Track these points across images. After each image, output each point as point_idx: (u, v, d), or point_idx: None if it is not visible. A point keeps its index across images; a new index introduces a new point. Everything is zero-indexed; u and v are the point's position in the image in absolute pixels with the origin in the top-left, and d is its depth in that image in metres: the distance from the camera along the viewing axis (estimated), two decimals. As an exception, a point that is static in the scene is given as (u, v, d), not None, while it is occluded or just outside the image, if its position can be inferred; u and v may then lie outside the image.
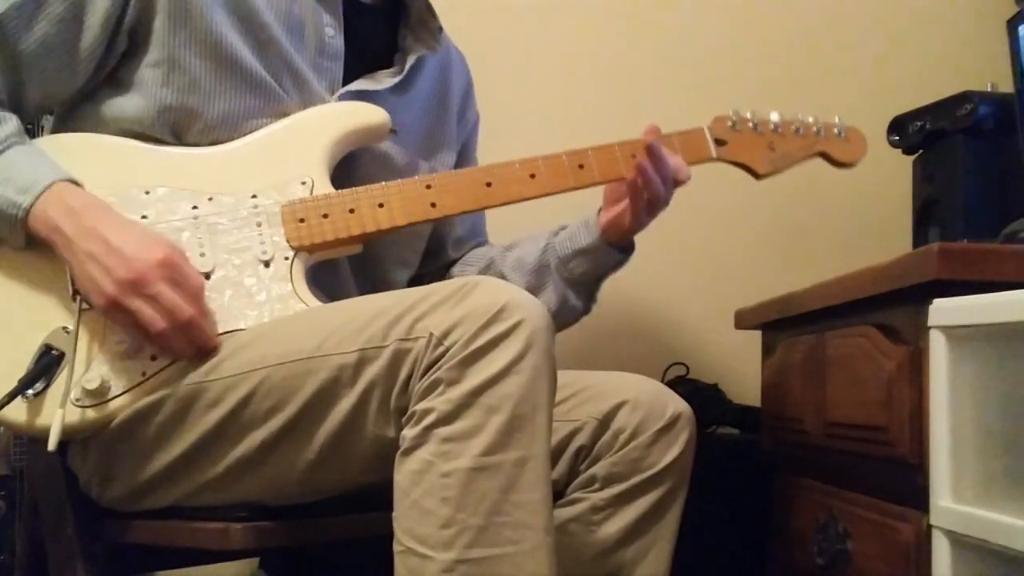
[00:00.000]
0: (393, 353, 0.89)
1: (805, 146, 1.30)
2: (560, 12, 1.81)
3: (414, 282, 1.31)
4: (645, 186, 1.17)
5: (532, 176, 1.18)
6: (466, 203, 1.16)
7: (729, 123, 1.27)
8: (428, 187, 1.14)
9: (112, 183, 1.05)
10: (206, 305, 1.00)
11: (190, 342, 0.99)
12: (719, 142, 1.26)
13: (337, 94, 1.18)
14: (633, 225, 1.21)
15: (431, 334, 0.86)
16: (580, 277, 1.24)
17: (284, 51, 1.14)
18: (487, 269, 1.32)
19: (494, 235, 1.44)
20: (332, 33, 1.19)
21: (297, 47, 1.16)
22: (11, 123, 1.04)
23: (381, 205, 1.12)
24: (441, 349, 0.86)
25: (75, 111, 1.13)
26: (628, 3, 1.83)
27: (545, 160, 1.18)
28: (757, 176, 1.28)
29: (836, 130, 1.31)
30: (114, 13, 1.08)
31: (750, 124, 1.27)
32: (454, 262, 1.37)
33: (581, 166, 1.19)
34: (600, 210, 1.24)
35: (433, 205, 1.14)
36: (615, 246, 1.23)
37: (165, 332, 0.97)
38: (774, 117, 1.29)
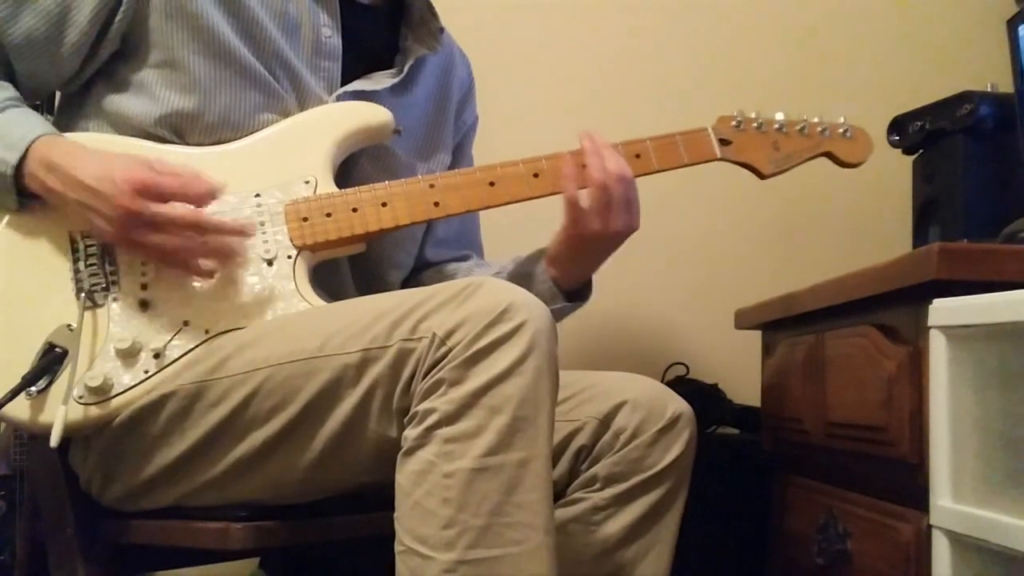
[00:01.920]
0: (396, 353, 0.89)
1: (810, 146, 1.29)
2: (562, 12, 1.81)
3: (405, 283, 1.31)
4: (587, 175, 1.13)
5: (535, 176, 1.17)
6: (469, 203, 1.16)
7: (733, 123, 1.26)
8: (431, 186, 1.14)
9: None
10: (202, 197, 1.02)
11: (205, 247, 1.02)
12: (723, 142, 1.25)
13: (335, 94, 1.18)
14: (571, 230, 1.14)
15: (434, 334, 0.86)
16: None
17: (279, 49, 1.14)
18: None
19: (495, 235, 1.44)
20: (329, 33, 1.19)
21: (293, 46, 1.16)
22: (8, 89, 1.07)
23: (384, 204, 1.12)
24: (444, 349, 0.86)
25: (78, 110, 1.14)
26: (630, 3, 1.83)
27: (548, 160, 1.18)
28: (762, 176, 1.28)
29: (841, 130, 1.30)
30: (103, 12, 1.08)
31: (754, 124, 1.27)
32: (430, 266, 1.35)
33: (584, 166, 1.19)
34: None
35: (436, 204, 1.14)
36: (564, 285, 1.18)
37: (178, 247, 1.00)
38: (779, 117, 1.28)
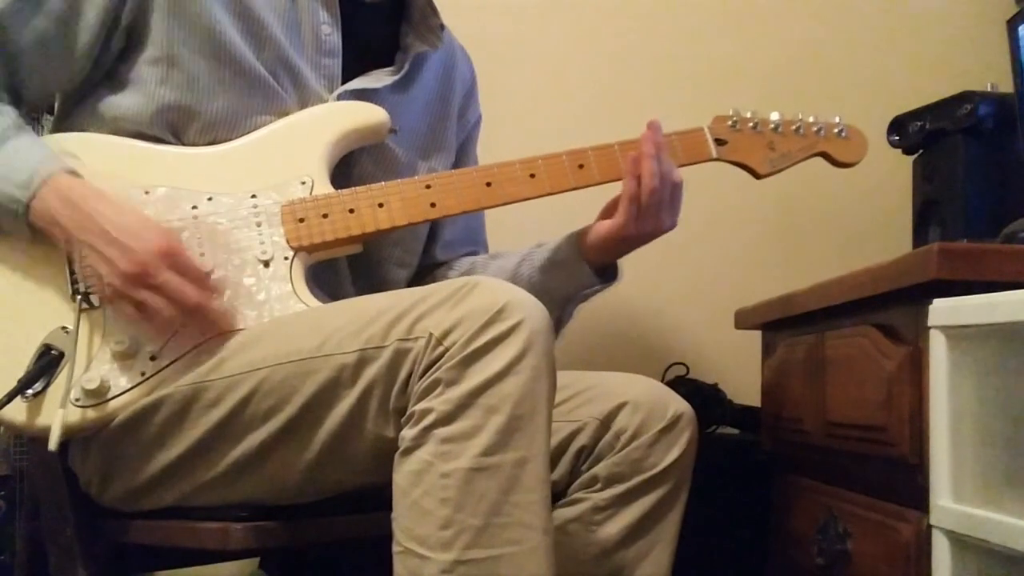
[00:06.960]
0: (393, 353, 0.89)
1: (806, 146, 1.29)
2: (561, 11, 1.81)
3: (410, 282, 1.31)
4: (641, 177, 1.14)
5: (532, 176, 1.17)
6: (466, 203, 1.16)
7: (729, 123, 1.26)
8: (428, 187, 1.14)
9: (111, 183, 1.04)
10: (215, 287, 1.01)
11: (200, 327, 1.00)
12: (719, 142, 1.25)
13: (335, 92, 1.18)
14: (624, 231, 1.16)
15: (431, 334, 0.86)
16: (550, 290, 1.19)
17: (282, 49, 1.14)
18: (468, 275, 1.30)
19: (493, 234, 1.43)
20: (328, 30, 1.18)
21: (295, 44, 1.16)
22: (8, 116, 1.05)
23: (381, 205, 1.12)
24: (441, 349, 0.86)
25: (75, 109, 1.13)
26: (629, 3, 1.83)
27: (545, 160, 1.18)
28: (757, 176, 1.28)
29: (837, 130, 1.30)
30: (111, 11, 1.08)
31: (750, 124, 1.27)
32: (441, 264, 1.35)
33: (581, 166, 1.19)
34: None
35: (433, 205, 1.14)
36: (595, 268, 1.20)
37: (173, 319, 0.98)
38: (774, 117, 1.29)
